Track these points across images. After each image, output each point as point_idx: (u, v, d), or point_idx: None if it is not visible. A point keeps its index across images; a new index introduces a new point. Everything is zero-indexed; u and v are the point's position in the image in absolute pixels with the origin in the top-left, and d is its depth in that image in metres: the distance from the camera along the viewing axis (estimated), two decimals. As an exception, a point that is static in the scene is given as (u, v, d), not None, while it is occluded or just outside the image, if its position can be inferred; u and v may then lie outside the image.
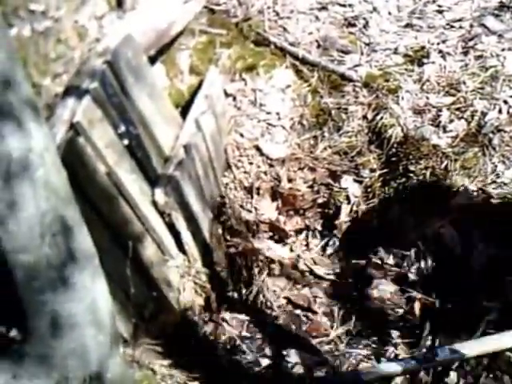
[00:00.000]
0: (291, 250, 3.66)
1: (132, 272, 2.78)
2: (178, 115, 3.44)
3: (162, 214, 3.06)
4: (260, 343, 3.35)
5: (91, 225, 2.16)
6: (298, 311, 3.48)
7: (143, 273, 3.00)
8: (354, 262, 3.56)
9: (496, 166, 3.35)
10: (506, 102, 3.44)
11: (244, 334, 3.39)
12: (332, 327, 3.38)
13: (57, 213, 1.84)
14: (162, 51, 3.55)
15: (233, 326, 3.40)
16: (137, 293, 2.80)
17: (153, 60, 3.40)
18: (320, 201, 3.71)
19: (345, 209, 3.63)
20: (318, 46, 3.83)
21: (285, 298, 3.53)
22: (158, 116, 3.14)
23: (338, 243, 3.68)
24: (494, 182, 3.32)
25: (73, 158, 2.46)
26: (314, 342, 3.33)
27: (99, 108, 2.65)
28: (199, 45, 3.79)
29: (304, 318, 3.45)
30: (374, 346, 3.27)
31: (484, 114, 3.43)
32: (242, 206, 3.66)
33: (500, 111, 3.43)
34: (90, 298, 2.03)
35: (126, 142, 2.83)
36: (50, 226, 1.82)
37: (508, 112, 3.42)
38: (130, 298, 2.60)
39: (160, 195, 3.00)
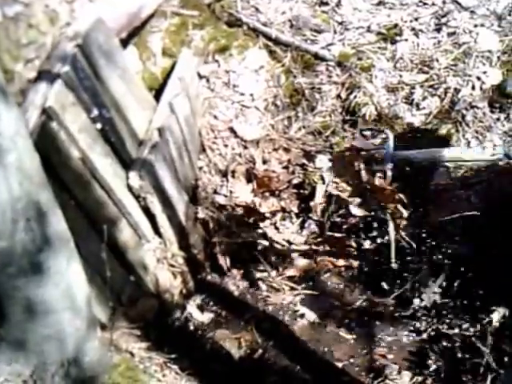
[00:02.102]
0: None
1: (108, 256, 2.75)
2: (151, 98, 3.41)
3: (137, 197, 3.04)
4: (237, 324, 3.37)
5: (66, 210, 2.15)
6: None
7: (119, 257, 2.99)
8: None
9: (469, 142, 3.38)
10: (478, 78, 3.47)
11: (222, 314, 3.41)
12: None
13: (30, 198, 1.83)
14: (133, 34, 3.50)
15: (209, 308, 3.41)
16: (113, 277, 2.77)
17: (125, 43, 3.36)
18: (295, 181, 3.71)
19: (320, 189, 3.64)
20: (291, 26, 3.82)
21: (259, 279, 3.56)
22: (131, 99, 3.11)
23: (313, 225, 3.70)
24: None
25: (46, 142, 2.43)
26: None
27: (71, 92, 2.61)
28: (171, 27, 3.76)
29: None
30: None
31: (457, 91, 3.46)
32: (216, 191, 3.66)
33: (473, 87, 3.46)
34: (66, 283, 2.03)
35: (99, 125, 2.79)
36: (23, 211, 1.81)
37: (481, 88, 3.45)
38: (107, 282, 2.58)
39: (135, 179, 2.98)
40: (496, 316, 2.98)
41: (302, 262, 3.60)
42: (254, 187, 3.69)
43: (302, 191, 3.71)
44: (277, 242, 3.59)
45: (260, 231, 3.61)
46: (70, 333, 2.11)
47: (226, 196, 3.64)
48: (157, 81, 3.61)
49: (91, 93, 2.75)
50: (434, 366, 3.03)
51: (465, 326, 3.07)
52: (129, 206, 2.99)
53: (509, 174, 3.22)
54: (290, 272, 3.56)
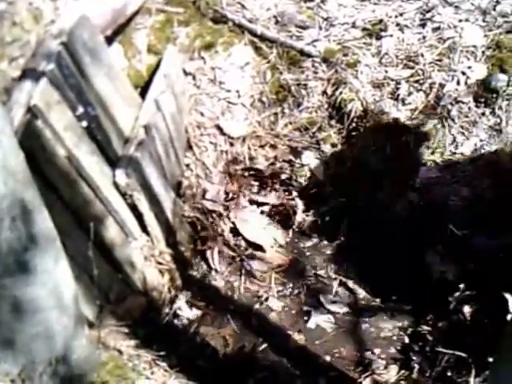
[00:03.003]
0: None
1: (95, 254, 2.76)
2: (137, 95, 3.40)
3: (123, 195, 3.03)
4: (226, 321, 3.37)
5: (52, 208, 2.14)
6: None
7: (106, 255, 2.98)
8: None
9: (455, 137, 3.39)
10: (463, 73, 3.48)
11: (210, 311, 3.41)
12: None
13: (15, 196, 1.82)
14: (118, 31, 3.50)
15: (198, 305, 3.42)
16: (101, 275, 2.77)
17: (110, 40, 3.35)
18: (283, 177, 3.72)
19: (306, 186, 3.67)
20: (276, 22, 3.81)
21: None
22: (117, 96, 3.10)
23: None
24: (453, 153, 3.37)
25: (31, 141, 2.42)
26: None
27: (56, 90, 2.60)
28: (156, 24, 3.75)
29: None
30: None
31: (442, 86, 3.46)
32: (203, 189, 3.66)
33: (458, 82, 3.46)
34: (53, 281, 2.03)
35: (84, 123, 2.79)
36: (8, 210, 1.80)
37: (466, 83, 3.46)
38: (94, 280, 2.58)
39: (121, 176, 2.97)
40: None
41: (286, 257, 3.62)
42: (241, 184, 3.70)
43: (290, 188, 3.72)
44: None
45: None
46: (58, 331, 2.11)
47: (212, 191, 3.64)
48: (142, 78, 3.60)
49: (76, 91, 2.75)
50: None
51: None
52: (115, 203, 2.99)
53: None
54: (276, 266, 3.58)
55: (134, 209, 3.14)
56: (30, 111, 2.45)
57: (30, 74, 2.55)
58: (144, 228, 3.24)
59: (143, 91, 3.47)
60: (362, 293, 3.46)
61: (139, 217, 3.19)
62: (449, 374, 2.91)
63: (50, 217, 2.06)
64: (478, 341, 2.88)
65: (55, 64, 2.59)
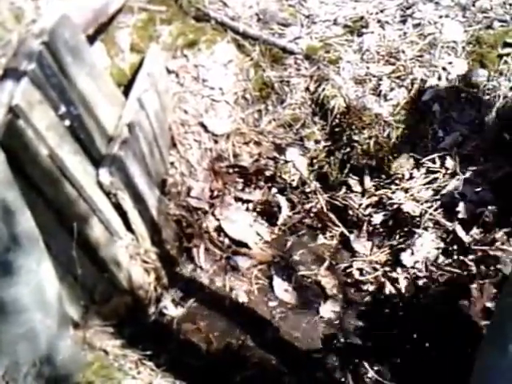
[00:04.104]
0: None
1: (80, 254, 2.76)
2: (120, 94, 3.40)
3: (107, 194, 3.03)
4: (212, 318, 3.38)
5: (35, 208, 2.15)
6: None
7: (91, 254, 2.98)
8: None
9: (437, 133, 3.41)
10: (444, 68, 3.50)
11: (196, 309, 3.42)
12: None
13: (-3, 197, 1.82)
14: (101, 30, 3.49)
15: (184, 303, 3.42)
16: (85, 275, 2.78)
17: (92, 39, 3.34)
18: (267, 174, 3.73)
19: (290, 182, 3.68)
20: (259, 20, 3.82)
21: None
22: (100, 95, 3.09)
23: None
24: (434, 148, 3.39)
25: (13, 141, 2.41)
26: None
27: (38, 90, 2.59)
28: (139, 22, 3.74)
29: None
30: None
31: (423, 82, 3.48)
32: (188, 186, 3.67)
33: (439, 78, 3.48)
34: (36, 282, 2.03)
35: (67, 123, 2.78)
36: (-10, 211, 1.80)
37: (447, 79, 3.48)
38: (78, 280, 2.58)
39: (105, 175, 2.97)
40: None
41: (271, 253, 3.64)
42: (226, 181, 3.71)
43: (276, 184, 3.74)
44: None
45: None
46: (42, 332, 2.11)
47: (197, 189, 3.65)
48: (125, 77, 3.60)
49: (58, 90, 2.73)
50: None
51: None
52: (99, 202, 2.98)
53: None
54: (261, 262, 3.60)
55: (118, 208, 3.14)
56: (11, 111, 2.44)
57: (11, 73, 2.54)
58: (129, 227, 3.24)
59: (126, 90, 3.47)
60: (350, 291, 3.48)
61: (124, 215, 3.18)
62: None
63: (32, 217, 2.06)
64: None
65: (36, 63, 2.58)
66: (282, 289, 3.47)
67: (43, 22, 2.79)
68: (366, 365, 3.12)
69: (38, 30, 2.73)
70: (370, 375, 3.10)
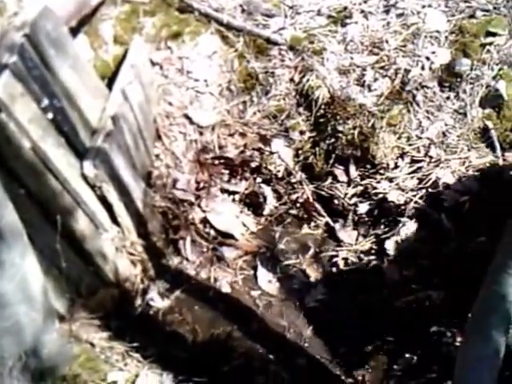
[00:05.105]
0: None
1: (65, 247, 2.76)
2: (103, 86, 3.38)
3: (92, 187, 3.02)
4: (199, 309, 3.39)
5: (19, 202, 2.14)
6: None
7: (77, 247, 2.98)
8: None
9: (421, 122, 3.43)
10: (428, 58, 3.51)
11: (183, 300, 3.43)
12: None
13: (-22, 191, 1.81)
14: (84, 22, 3.47)
15: (170, 295, 3.43)
16: (71, 268, 2.78)
17: (75, 31, 3.33)
18: (253, 165, 3.74)
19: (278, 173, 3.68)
20: (243, 11, 3.81)
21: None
22: (83, 88, 3.08)
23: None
24: (419, 137, 3.40)
25: (-5, 135, 2.41)
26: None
27: (20, 82, 2.58)
28: (122, 14, 3.72)
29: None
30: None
31: (407, 71, 3.49)
32: (174, 178, 3.67)
33: (423, 68, 3.49)
34: (20, 276, 2.02)
35: (50, 115, 2.77)
36: (-29, 206, 1.79)
37: (430, 68, 3.49)
38: (64, 273, 2.58)
39: (89, 168, 2.96)
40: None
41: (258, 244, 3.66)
42: (211, 173, 3.71)
43: (262, 176, 3.74)
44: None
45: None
46: (27, 325, 2.11)
47: (182, 181, 3.65)
48: (109, 69, 3.58)
49: (41, 83, 2.72)
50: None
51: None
52: (84, 195, 2.98)
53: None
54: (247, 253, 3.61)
55: (103, 200, 3.13)
56: (-7, 104, 2.43)
57: (-8, 66, 2.53)
58: (114, 219, 3.23)
59: (110, 82, 3.45)
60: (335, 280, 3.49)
61: (109, 208, 3.18)
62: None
63: (16, 211, 2.06)
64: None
65: (18, 56, 2.57)
66: (266, 280, 3.49)
67: (25, 14, 2.78)
68: (352, 352, 3.15)
69: (19, 22, 2.72)
70: (356, 361, 3.14)
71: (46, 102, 2.74)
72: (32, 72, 2.67)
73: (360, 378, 3.08)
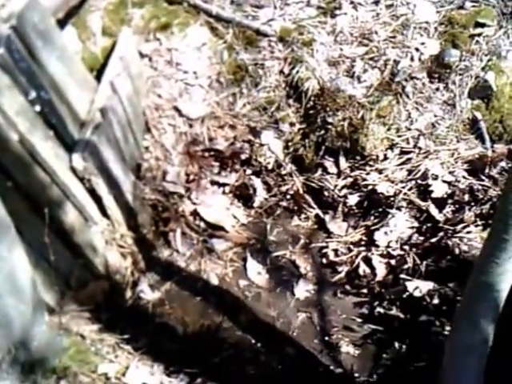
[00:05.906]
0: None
1: (55, 240, 2.75)
2: (92, 78, 3.37)
3: (81, 179, 3.01)
4: (189, 301, 3.39)
5: (7, 195, 2.13)
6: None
7: (66, 240, 2.96)
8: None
9: (410, 114, 3.43)
10: (417, 49, 3.52)
11: (173, 292, 3.43)
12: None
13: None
14: (71, 13, 3.46)
15: (161, 287, 3.43)
16: (60, 260, 2.77)
17: (63, 23, 3.31)
18: (243, 157, 3.73)
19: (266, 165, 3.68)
20: (232, 2, 3.81)
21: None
22: (71, 80, 3.07)
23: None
24: (408, 128, 3.41)
25: (-18, 127, 2.40)
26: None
27: (7, 74, 2.56)
28: (110, 5, 3.71)
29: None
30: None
31: (396, 63, 3.49)
32: (164, 171, 3.66)
33: (412, 59, 3.50)
34: (8, 269, 2.02)
35: (38, 108, 2.75)
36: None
37: (420, 59, 3.50)
38: (53, 266, 2.57)
39: (78, 161, 2.95)
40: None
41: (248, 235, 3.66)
42: (201, 165, 3.71)
43: (251, 168, 3.74)
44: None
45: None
46: (16, 318, 2.10)
47: (172, 173, 3.64)
48: (97, 60, 3.57)
49: (28, 75, 2.71)
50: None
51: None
52: (73, 188, 2.97)
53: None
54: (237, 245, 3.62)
55: (92, 193, 3.12)
56: (-20, 97, 2.42)
57: (-22, 59, 2.52)
58: (104, 212, 3.22)
59: (99, 74, 3.44)
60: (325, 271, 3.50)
61: (98, 201, 3.17)
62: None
63: (3, 204, 2.05)
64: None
65: (4, 48, 2.55)
66: (256, 271, 3.49)
67: (12, 5, 2.76)
68: (341, 342, 3.17)
69: (6, 14, 2.70)
70: (345, 350, 3.15)
71: (33, 94, 2.72)
72: (19, 64, 2.66)
73: (349, 367, 3.09)
